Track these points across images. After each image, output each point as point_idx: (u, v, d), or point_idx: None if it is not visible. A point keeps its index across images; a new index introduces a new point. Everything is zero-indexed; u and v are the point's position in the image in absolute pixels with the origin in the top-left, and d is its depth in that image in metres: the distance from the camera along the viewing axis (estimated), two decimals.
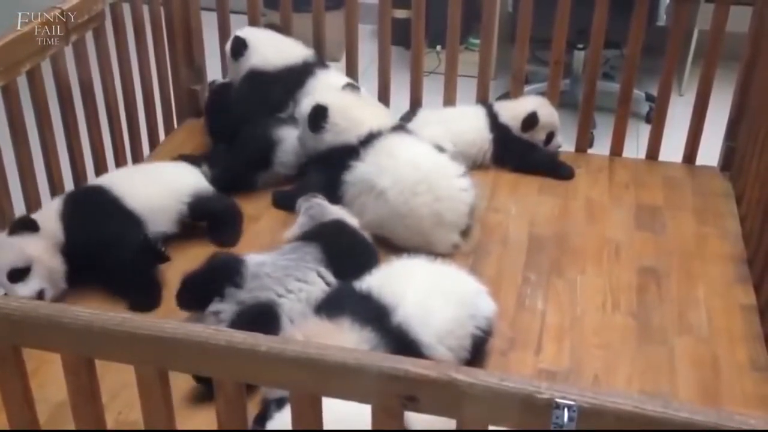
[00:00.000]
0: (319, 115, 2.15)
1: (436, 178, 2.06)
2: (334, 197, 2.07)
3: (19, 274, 1.83)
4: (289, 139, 2.28)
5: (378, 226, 2.03)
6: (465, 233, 2.09)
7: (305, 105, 2.20)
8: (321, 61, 2.48)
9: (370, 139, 2.10)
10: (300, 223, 1.95)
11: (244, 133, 2.30)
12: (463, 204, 2.08)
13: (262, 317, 1.63)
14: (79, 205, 1.96)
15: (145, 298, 1.87)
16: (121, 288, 1.89)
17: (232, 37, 2.44)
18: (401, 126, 2.22)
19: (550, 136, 2.46)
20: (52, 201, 1.99)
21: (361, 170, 2.07)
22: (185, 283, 1.74)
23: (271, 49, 2.42)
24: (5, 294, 1.83)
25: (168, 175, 2.12)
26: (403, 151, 2.09)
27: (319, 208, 1.95)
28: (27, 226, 1.87)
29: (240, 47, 2.40)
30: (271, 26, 2.56)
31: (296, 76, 2.38)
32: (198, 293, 1.73)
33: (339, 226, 1.93)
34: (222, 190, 2.16)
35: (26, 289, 1.83)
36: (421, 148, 2.14)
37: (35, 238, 1.86)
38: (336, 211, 1.97)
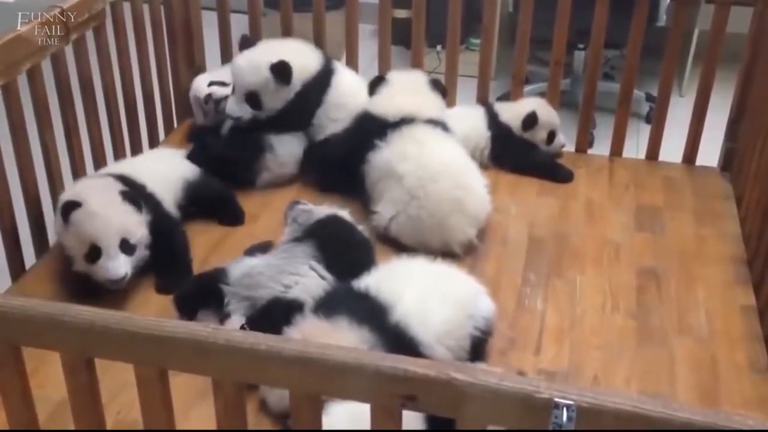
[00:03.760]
0: (377, 83, 2.28)
1: (459, 171, 2.10)
2: (355, 171, 2.14)
3: (126, 248, 1.79)
4: (280, 146, 2.30)
5: (394, 213, 2.05)
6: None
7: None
8: (329, 56, 2.44)
9: (401, 123, 2.13)
10: (288, 231, 1.95)
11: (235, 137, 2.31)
12: (484, 200, 2.11)
13: (291, 311, 1.63)
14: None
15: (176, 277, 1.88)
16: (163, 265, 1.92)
17: (276, 63, 2.21)
18: (439, 122, 2.21)
19: (552, 136, 2.47)
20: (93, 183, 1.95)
21: (385, 155, 2.10)
22: (179, 296, 1.78)
23: (304, 61, 2.32)
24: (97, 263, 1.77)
25: (165, 162, 2.18)
26: (430, 142, 2.11)
27: (305, 214, 1.95)
28: (134, 200, 1.85)
29: (288, 74, 2.23)
30: (246, 41, 2.41)
31: (324, 81, 2.34)
32: (193, 301, 1.76)
33: (330, 221, 1.93)
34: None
35: (128, 265, 1.79)
36: (450, 144, 2.17)
37: (140, 217, 1.85)
38: (324, 211, 1.97)
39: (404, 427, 1.09)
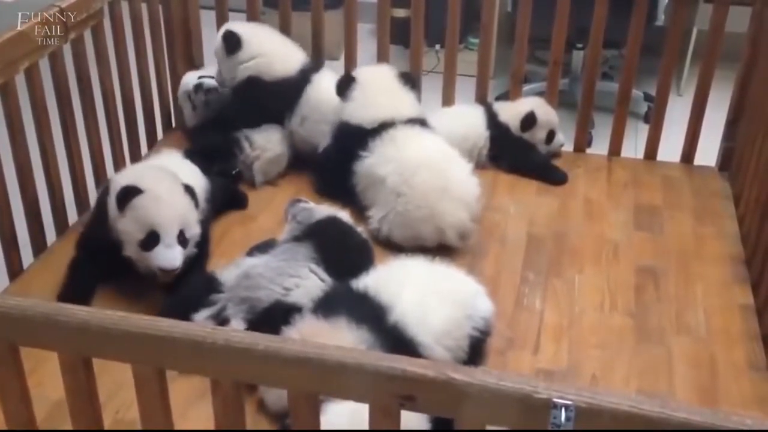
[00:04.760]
0: (346, 84, 2.24)
1: (438, 160, 2.09)
2: (346, 184, 2.14)
3: (183, 240, 1.77)
4: (255, 135, 2.32)
5: (383, 214, 2.06)
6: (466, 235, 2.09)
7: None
8: (315, 64, 2.43)
9: (381, 128, 2.13)
10: (288, 229, 1.95)
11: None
12: (471, 184, 2.10)
13: (292, 316, 1.62)
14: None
15: None
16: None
17: (222, 31, 2.36)
18: (417, 119, 2.21)
19: (551, 135, 2.47)
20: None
21: (367, 163, 2.11)
22: (170, 306, 1.76)
23: (274, 56, 2.35)
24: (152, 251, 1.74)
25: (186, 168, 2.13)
26: (411, 143, 2.11)
27: (305, 212, 1.95)
28: (194, 196, 1.83)
29: (235, 43, 2.32)
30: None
31: (295, 87, 2.34)
32: (183, 309, 1.74)
33: (329, 223, 1.93)
34: None
35: (182, 258, 1.76)
36: (428, 137, 2.16)
37: (196, 213, 1.83)
38: (325, 210, 1.97)
39: (408, 427, 1.09)
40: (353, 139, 2.16)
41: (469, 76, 2.71)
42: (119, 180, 1.86)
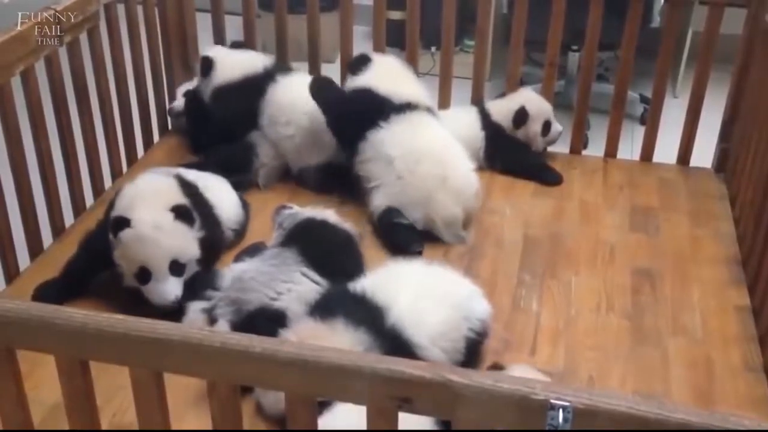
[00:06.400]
0: (361, 61, 2.29)
1: (443, 152, 2.14)
2: (350, 150, 2.17)
3: (176, 269, 1.74)
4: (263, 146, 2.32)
5: (384, 192, 2.10)
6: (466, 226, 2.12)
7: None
8: (282, 66, 2.44)
9: (405, 108, 2.15)
10: (275, 236, 1.94)
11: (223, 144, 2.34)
12: (470, 179, 2.13)
13: (273, 321, 1.62)
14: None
15: None
16: None
17: (200, 57, 2.41)
18: (432, 110, 2.26)
19: (547, 126, 2.46)
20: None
21: (381, 136, 2.12)
22: None
23: (229, 64, 2.38)
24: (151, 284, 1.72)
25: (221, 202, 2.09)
26: (424, 128, 2.15)
27: (290, 218, 1.94)
28: (188, 216, 1.77)
29: (207, 66, 2.36)
30: (236, 44, 2.52)
31: (257, 85, 2.34)
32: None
33: (309, 223, 1.91)
34: None
35: (179, 287, 1.72)
36: (441, 131, 2.20)
37: (192, 234, 1.78)
38: (307, 213, 1.97)
39: (414, 427, 1.09)
40: (376, 107, 2.16)
41: (465, 79, 2.72)
42: (121, 197, 1.82)
